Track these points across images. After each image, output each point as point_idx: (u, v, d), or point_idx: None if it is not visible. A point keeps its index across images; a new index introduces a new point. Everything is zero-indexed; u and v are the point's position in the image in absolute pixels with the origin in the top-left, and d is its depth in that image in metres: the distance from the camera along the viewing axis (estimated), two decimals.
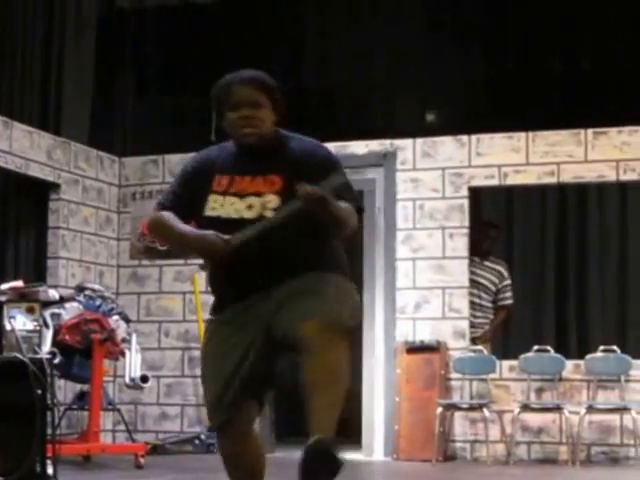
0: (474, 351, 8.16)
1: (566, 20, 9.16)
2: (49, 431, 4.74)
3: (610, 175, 8.18)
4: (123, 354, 7.41)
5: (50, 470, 4.75)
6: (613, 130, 8.15)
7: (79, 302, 7.22)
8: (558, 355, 8.04)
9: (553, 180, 8.31)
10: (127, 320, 7.50)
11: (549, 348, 8.10)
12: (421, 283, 8.36)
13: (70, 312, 7.09)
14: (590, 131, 8.18)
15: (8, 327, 4.91)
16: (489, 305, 8.53)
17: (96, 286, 7.69)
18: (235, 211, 3.33)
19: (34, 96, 8.63)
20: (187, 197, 3.44)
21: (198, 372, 7.49)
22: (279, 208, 3.27)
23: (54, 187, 8.52)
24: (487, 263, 8.56)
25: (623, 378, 7.81)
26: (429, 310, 8.32)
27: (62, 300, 7.00)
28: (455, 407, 8.08)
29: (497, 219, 9.37)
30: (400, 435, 8.05)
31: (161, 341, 8.94)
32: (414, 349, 8.19)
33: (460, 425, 8.12)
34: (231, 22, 9.75)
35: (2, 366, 4.76)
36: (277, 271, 3.26)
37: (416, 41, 9.44)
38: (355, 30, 9.44)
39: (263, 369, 3.32)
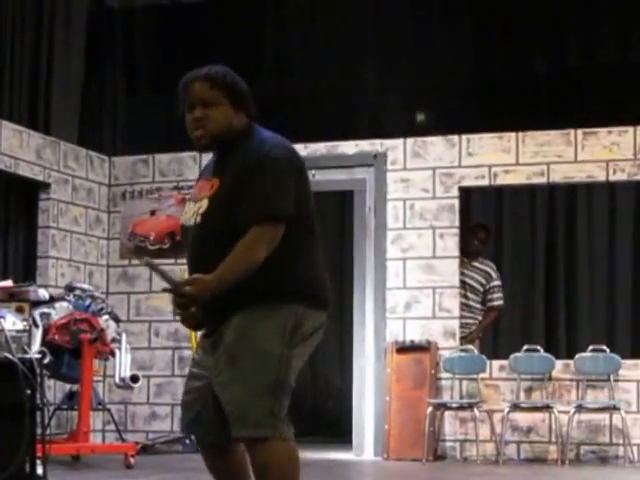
0: (464, 351, 8.17)
1: (557, 20, 9.19)
2: (38, 431, 4.72)
3: (600, 175, 8.19)
4: (113, 354, 7.38)
5: (40, 470, 4.73)
6: (603, 130, 8.16)
7: (69, 302, 7.20)
8: (548, 355, 8.06)
9: (543, 180, 8.32)
10: (117, 320, 7.48)
11: (539, 348, 8.12)
12: (411, 283, 8.37)
13: (60, 312, 7.07)
14: (580, 131, 8.19)
15: None
16: (477, 306, 8.53)
17: (86, 286, 7.67)
18: (186, 218, 3.25)
19: (23, 95, 8.61)
20: None
21: None
22: (205, 213, 3.14)
23: (44, 186, 8.50)
24: (475, 264, 8.56)
25: (612, 378, 7.82)
26: (419, 310, 8.32)
27: (52, 300, 6.98)
28: (445, 407, 8.09)
29: (487, 219, 9.39)
30: (390, 434, 8.05)
31: (151, 341, 8.93)
32: (404, 349, 8.20)
33: (450, 424, 8.13)
34: (221, 21, 9.74)
35: None
36: (217, 309, 3.14)
37: (407, 41, 9.46)
38: (346, 30, 9.44)
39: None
